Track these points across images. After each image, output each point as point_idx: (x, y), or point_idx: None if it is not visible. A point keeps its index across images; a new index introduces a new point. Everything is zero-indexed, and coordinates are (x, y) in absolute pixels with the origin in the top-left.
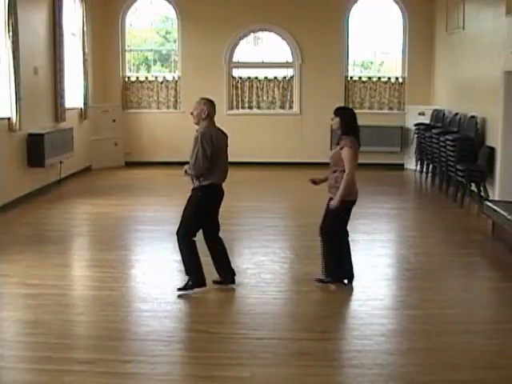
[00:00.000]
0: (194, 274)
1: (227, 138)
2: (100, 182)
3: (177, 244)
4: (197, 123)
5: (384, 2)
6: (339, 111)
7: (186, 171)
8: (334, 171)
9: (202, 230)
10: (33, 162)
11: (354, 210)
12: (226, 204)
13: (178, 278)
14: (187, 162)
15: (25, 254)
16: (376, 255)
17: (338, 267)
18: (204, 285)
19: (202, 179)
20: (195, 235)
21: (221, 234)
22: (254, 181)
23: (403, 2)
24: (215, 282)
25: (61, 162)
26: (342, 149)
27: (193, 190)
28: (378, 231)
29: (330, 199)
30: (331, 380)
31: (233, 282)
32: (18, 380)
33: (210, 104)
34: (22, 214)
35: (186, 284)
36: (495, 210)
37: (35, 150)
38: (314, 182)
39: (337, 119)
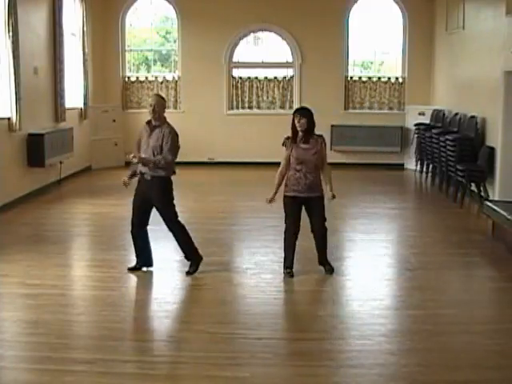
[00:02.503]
0: (194, 256)
1: None
2: (100, 181)
3: (173, 236)
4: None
5: (384, 2)
6: (305, 111)
7: (153, 163)
8: (316, 170)
9: (136, 220)
10: (33, 162)
11: (354, 209)
12: (226, 204)
13: (178, 278)
14: (186, 162)
15: (25, 254)
16: (376, 255)
17: None
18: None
19: (170, 170)
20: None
21: (221, 234)
22: (254, 181)
23: (403, 1)
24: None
25: (61, 162)
26: (325, 148)
27: (156, 178)
28: (378, 231)
29: (318, 198)
30: (331, 380)
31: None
32: (19, 380)
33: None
34: (22, 214)
35: (192, 268)
36: (495, 210)
37: (35, 150)
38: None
39: (304, 120)
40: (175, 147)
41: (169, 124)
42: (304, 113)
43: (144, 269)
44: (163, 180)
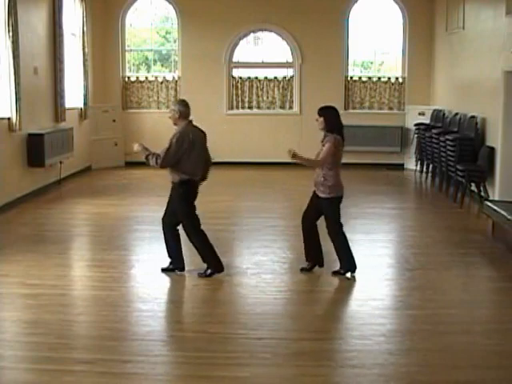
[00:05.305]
0: (211, 263)
1: (205, 135)
2: (100, 181)
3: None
4: (175, 124)
5: (384, 2)
6: (322, 111)
7: (147, 156)
8: (322, 169)
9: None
10: (33, 161)
11: (354, 210)
12: (226, 204)
13: (179, 278)
14: None
15: (25, 254)
16: (376, 255)
17: (350, 258)
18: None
19: (183, 175)
20: (200, 225)
21: (221, 234)
22: (254, 181)
23: (403, 1)
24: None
25: (61, 162)
26: (324, 145)
27: (177, 185)
28: (377, 231)
29: (322, 199)
30: (331, 380)
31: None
32: (19, 380)
33: (181, 104)
34: (22, 214)
35: (205, 272)
36: (495, 210)
37: (35, 150)
38: (294, 155)
39: (321, 119)
40: (170, 149)
41: (182, 127)
42: (320, 112)
43: (177, 272)
44: (176, 186)
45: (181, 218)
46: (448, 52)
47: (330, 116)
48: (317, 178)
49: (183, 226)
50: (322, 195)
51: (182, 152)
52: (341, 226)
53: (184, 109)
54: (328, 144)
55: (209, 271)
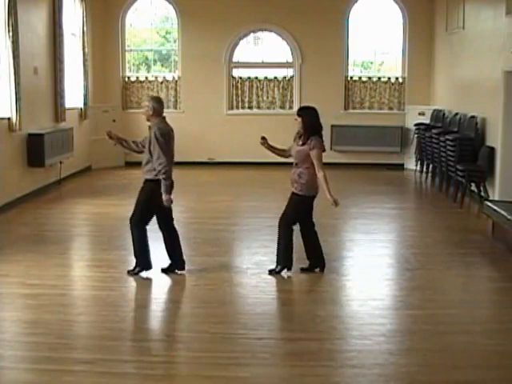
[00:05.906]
0: (140, 260)
1: (173, 131)
2: (100, 181)
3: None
4: (148, 120)
5: (384, 1)
6: (301, 111)
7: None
8: (299, 167)
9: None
10: (33, 161)
11: (354, 210)
12: (226, 204)
13: (178, 278)
14: (186, 162)
15: (25, 254)
16: (376, 255)
17: (289, 255)
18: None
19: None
20: (148, 222)
21: (221, 234)
22: (254, 181)
23: (403, 1)
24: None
25: (61, 162)
26: (311, 149)
27: (149, 181)
28: (377, 231)
29: (293, 193)
30: (331, 380)
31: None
32: (19, 380)
33: (155, 101)
34: (22, 214)
35: (134, 269)
36: (495, 210)
37: (35, 150)
38: (264, 142)
39: (299, 119)
40: (162, 150)
41: (157, 123)
42: (300, 112)
43: (177, 271)
44: (151, 182)
45: (135, 206)
46: (448, 52)
47: (308, 117)
48: (293, 175)
49: (132, 215)
50: (294, 190)
51: (169, 146)
52: (291, 226)
53: (158, 106)
54: (316, 150)
55: (137, 269)
